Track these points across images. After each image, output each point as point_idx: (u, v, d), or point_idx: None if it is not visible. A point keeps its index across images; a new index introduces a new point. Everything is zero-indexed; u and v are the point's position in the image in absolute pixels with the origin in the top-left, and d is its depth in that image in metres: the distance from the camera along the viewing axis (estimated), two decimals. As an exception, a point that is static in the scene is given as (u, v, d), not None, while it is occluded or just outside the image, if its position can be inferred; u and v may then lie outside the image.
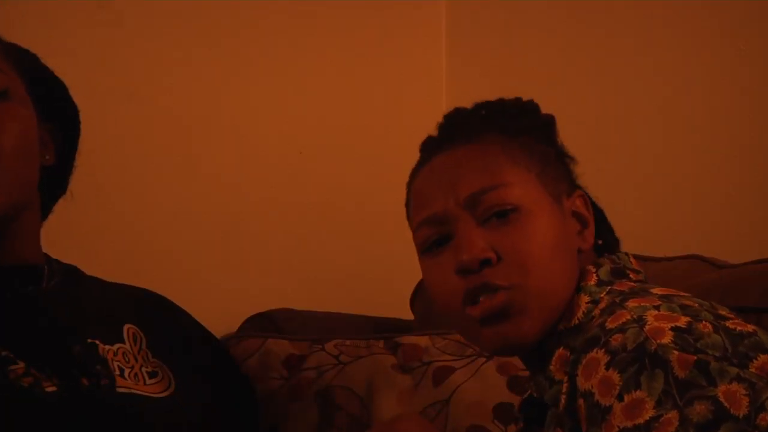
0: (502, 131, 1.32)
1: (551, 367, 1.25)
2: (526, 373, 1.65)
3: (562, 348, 1.24)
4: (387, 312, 2.12)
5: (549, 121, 1.37)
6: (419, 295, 2.07)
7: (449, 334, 1.82)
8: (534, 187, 1.29)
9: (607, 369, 1.12)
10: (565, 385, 1.19)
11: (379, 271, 2.30)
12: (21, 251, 1.47)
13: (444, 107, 2.34)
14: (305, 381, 1.80)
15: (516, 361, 1.73)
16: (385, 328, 2.00)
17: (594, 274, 1.28)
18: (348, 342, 1.83)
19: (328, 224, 2.31)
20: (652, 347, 1.11)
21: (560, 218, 1.29)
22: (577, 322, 1.25)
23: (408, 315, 2.11)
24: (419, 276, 1.96)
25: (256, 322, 2.00)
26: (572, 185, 1.34)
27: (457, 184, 1.29)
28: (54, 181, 1.54)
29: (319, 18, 2.37)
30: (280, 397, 1.79)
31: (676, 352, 1.11)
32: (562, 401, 1.19)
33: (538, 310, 1.25)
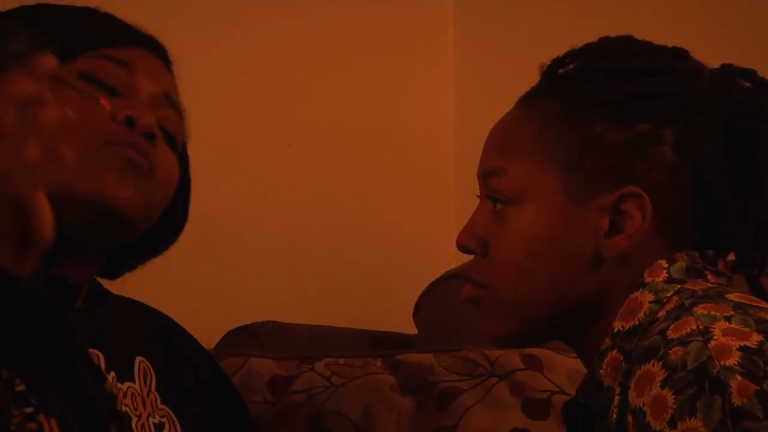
0: (564, 99, 1.24)
1: (601, 371, 1.17)
2: (544, 395, 1.66)
3: (616, 350, 1.17)
4: (386, 325, 2.04)
5: (650, 93, 1.22)
6: (423, 306, 1.98)
7: (456, 351, 1.72)
8: (544, 178, 1.22)
9: (662, 387, 1.04)
10: (617, 397, 1.11)
11: (378, 279, 2.25)
12: (66, 272, 1.32)
13: (452, 106, 2.38)
14: (293, 406, 1.69)
15: (532, 381, 1.68)
16: (383, 344, 1.92)
17: (665, 270, 1.18)
18: (341, 360, 1.72)
19: (320, 227, 2.27)
20: (714, 369, 1.03)
21: (568, 218, 1.22)
22: (636, 323, 1.16)
23: (411, 329, 2.02)
24: (422, 284, 1.97)
25: (237, 337, 1.91)
26: (629, 180, 1.20)
27: (483, 154, 1.27)
28: (144, 242, 1.40)
29: (322, 13, 2.37)
30: (264, 424, 1.69)
31: (739, 377, 1.02)
32: (614, 415, 1.12)
33: (509, 317, 1.24)
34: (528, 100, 1.27)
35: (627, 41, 1.27)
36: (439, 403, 1.66)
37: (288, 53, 2.35)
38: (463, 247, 1.26)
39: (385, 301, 2.18)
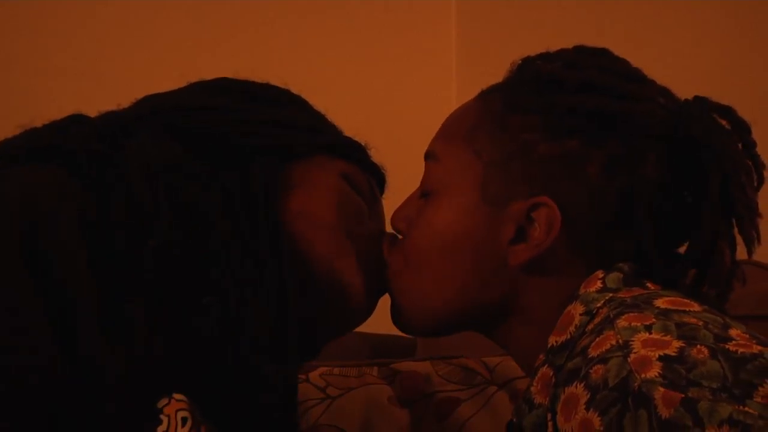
0: (506, 98, 1.21)
1: (532, 388, 1.13)
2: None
3: (546, 366, 1.12)
4: (387, 329, 1.83)
5: (586, 110, 1.16)
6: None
7: (454, 358, 1.66)
8: (467, 174, 1.20)
9: (587, 409, 1.00)
10: (549, 423, 1.06)
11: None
12: None
13: (453, 102, 2.44)
14: None
15: None
16: (383, 348, 1.90)
17: (599, 281, 1.14)
18: (336, 370, 1.64)
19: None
20: (636, 384, 0.98)
21: (480, 219, 1.19)
22: (568, 336, 1.12)
23: None
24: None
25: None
26: (547, 191, 1.16)
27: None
28: None
29: (327, 8, 2.40)
30: (258, 439, 1.61)
31: (661, 389, 0.97)
32: None
33: (409, 306, 1.24)
34: (484, 93, 1.24)
35: (595, 54, 1.22)
36: (438, 413, 1.60)
37: (290, 48, 2.33)
38: (394, 228, 1.26)
39: (386, 304, 2.12)
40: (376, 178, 1.38)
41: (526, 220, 1.16)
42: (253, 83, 1.35)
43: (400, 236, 1.28)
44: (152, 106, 1.30)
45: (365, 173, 1.36)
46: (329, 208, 1.28)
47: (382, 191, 1.40)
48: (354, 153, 1.35)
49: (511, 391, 1.61)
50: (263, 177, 1.23)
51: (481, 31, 2.57)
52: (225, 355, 1.13)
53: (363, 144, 1.37)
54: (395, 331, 1.97)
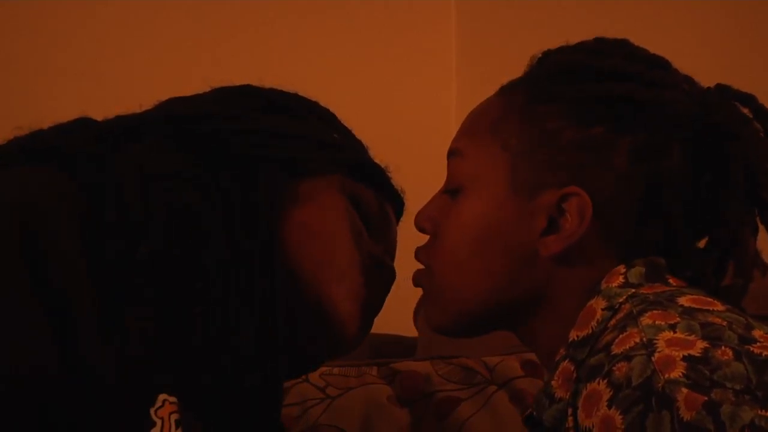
0: (530, 89, 1.20)
1: (553, 382, 1.12)
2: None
3: (567, 360, 1.11)
4: (387, 328, 1.85)
5: (612, 96, 1.16)
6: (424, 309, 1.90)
7: (453, 358, 1.66)
8: (495, 167, 1.18)
9: (609, 407, 0.99)
10: (570, 418, 1.06)
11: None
12: None
13: (453, 102, 2.46)
14: (286, 420, 1.56)
15: (533, 389, 1.61)
16: (384, 348, 1.88)
17: (621, 276, 1.13)
18: (336, 370, 1.63)
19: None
20: (659, 384, 0.97)
21: (511, 211, 1.18)
22: (589, 331, 1.11)
23: (412, 331, 1.99)
24: (423, 286, 1.92)
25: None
26: (576, 180, 1.15)
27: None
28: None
29: (327, 8, 2.41)
30: (257, 438, 1.58)
31: (685, 390, 0.96)
32: None
33: (444, 305, 1.21)
34: (505, 88, 1.23)
35: (617, 44, 1.21)
36: (438, 413, 1.60)
37: (290, 48, 2.33)
38: (418, 227, 1.24)
39: (386, 303, 2.13)
40: (394, 203, 1.36)
41: (557, 211, 1.15)
42: (276, 92, 1.32)
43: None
44: (165, 110, 1.29)
45: (379, 197, 1.33)
46: (330, 226, 1.27)
47: (399, 216, 1.39)
48: (370, 175, 1.33)
49: (511, 391, 1.61)
50: (263, 187, 1.22)
51: (481, 31, 2.56)
52: (211, 364, 1.12)
53: (383, 166, 1.35)
54: (395, 331, 1.99)
